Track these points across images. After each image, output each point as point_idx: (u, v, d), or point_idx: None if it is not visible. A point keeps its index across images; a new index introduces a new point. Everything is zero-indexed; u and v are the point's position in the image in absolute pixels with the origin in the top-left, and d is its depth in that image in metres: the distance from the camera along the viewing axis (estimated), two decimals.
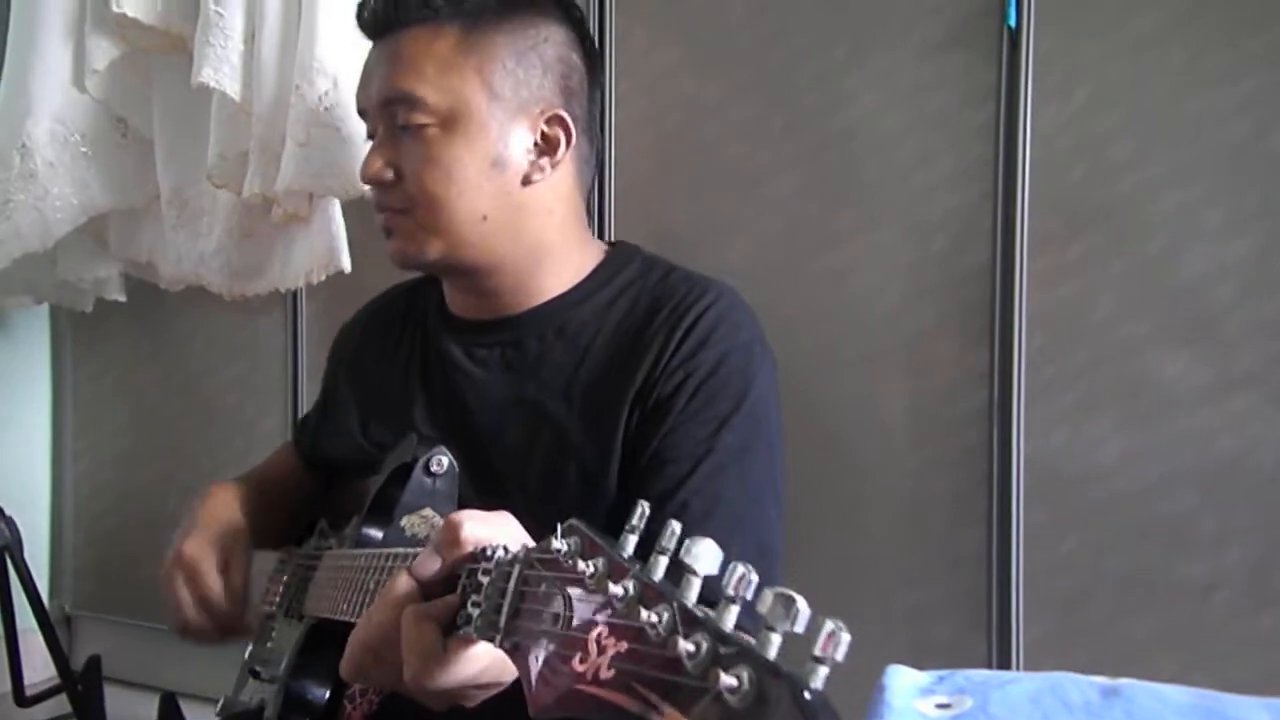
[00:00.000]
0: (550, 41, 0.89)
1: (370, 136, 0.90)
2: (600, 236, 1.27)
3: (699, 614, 0.37)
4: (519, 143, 0.88)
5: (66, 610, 1.89)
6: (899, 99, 1.19)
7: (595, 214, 1.33)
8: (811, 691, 0.32)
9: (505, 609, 0.49)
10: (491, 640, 0.50)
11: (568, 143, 0.90)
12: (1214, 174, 1.05)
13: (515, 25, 0.88)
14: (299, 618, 0.93)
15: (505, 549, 0.53)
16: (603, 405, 0.88)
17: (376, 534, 0.88)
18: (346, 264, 1.37)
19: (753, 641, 0.34)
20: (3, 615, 1.52)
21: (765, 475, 0.88)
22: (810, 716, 0.31)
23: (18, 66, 1.43)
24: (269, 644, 0.98)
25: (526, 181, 0.89)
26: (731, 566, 0.37)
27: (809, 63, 1.23)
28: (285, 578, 1.04)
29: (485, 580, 0.52)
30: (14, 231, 1.41)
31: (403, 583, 0.59)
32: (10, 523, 1.52)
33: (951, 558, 1.16)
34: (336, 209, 1.35)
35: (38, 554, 1.85)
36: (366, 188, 1.27)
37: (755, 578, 0.37)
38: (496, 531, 0.59)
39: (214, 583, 0.95)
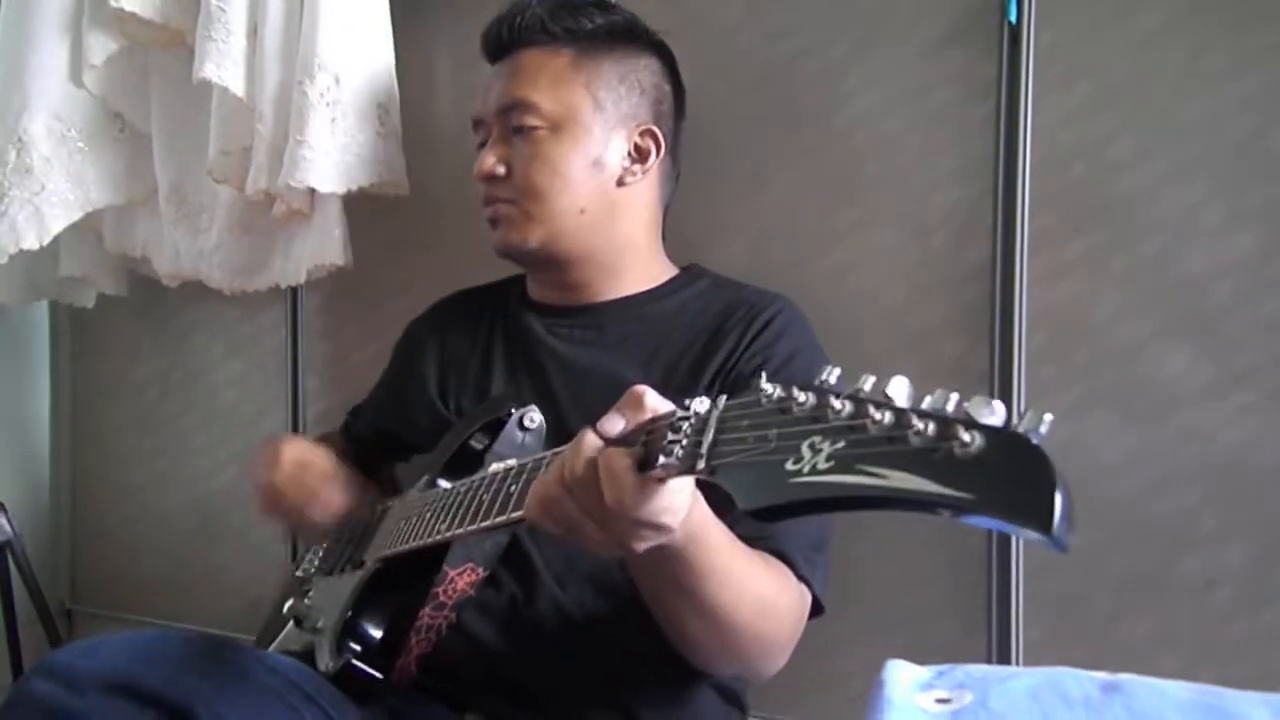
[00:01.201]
0: (648, 69, 1.06)
1: (481, 145, 1.04)
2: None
3: (920, 409, 0.41)
4: (616, 149, 1.02)
5: (66, 605, 1.89)
6: (899, 96, 1.19)
7: None
8: (1040, 438, 0.38)
9: (707, 440, 0.52)
10: (692, 469, 0.53)
11: (657, 153, 1.04)
12: (1215, 171, 1.05)
13: (620, 53, 1.04)
14: (356, 566, 0.97)
15: (701, 401, 0.56)
16: (683, 380, 0.96)
17: (458, 481, 0.90)
18: (348, 260, 1.36)
19: (972, 418, 0.39)
20: (3, 610, 1.53)
21: None
22: (1039, 451, 0.37)
23: (13, 61, 1.43)
24: (307, 601, 1.01)
25: (620, 183, 1.02)
26: (928, 394, 0.42)
27: (809, 62, 1.23)
28: (327, 543, 1.08)
29: (684, 423, 0.56)
30: (10, 227, 1.40)
31: (591, 436, 0.64)
32: (10, 518, 1.52)
33: (951, 558, 1.16)
34: (338, 205, 1.35)
35: (38, 549, 1.85)
36: (370, 184, 1.29)
37: (956, 394, 0.41)
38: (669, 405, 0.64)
39: (321, 478, 1.03)
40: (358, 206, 1.38)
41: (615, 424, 0.63)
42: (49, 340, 1.91)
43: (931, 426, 0.40)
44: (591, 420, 0.93)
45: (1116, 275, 1.09)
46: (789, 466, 0.44)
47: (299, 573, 1.09)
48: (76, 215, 1.45)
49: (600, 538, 0.65)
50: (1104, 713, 0.48)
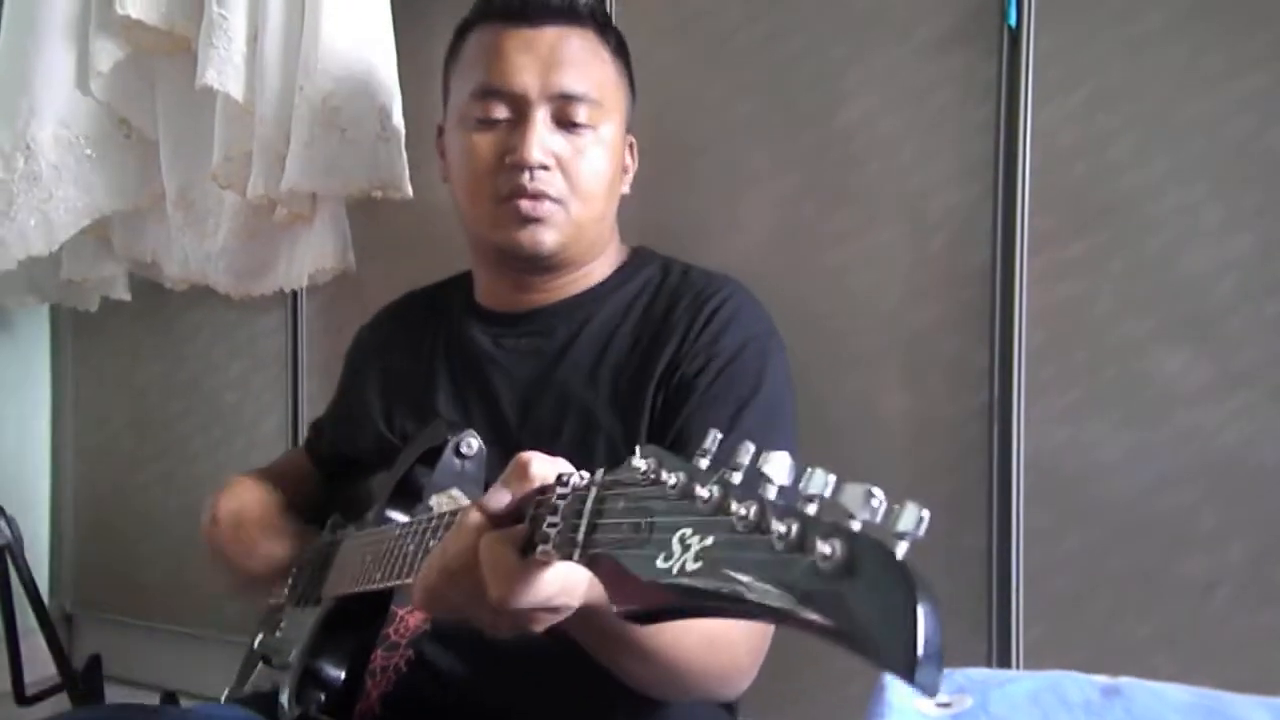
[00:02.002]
0: (632, 79, 1.02)
1: (495, 122, 0.93)
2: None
3: (784, 504, 0.38)
4: (623, 158, 1.01)
5: (67, 609, 1.89)
6: (899, 98, 1.19)
7: None
8: (900, 556, 0.34)
9: (584, 525, 0.50)
10: (570, 556, 0.51)
11: (634, 161, 1.04)
12: (1214, 172, 1.05)
13: (626, 59, 1.01)
14: (315, 603, 0.94)
15: (580, 475, 0.55)
16: (629, 386, 0.92)
17: (402, 516, 0.89)
18: (349, 263, 1.37)
19: (838, 520, 0.36)
20: (3, 614, 1.53)
21: None
22: (904, 574, 0.33)
23: (21, 69, 1.43)
24: (278, 634, 0.99)
25: (619, 188, 1.01)
26: (808, 471, 0.39)
27: (809, 62, 1.23)
28: (295, 570, 1.05)
29: (561, 503, 0.54)
30: (18, 234, 1.41)
31: (474, 515, 0.61)
32: (11, 522, 1.52)
33: (951, 558, 1.16)
34: (341, 209, 1.36)
35: (38, 553, 1.85)
36: (372, 190, 1.29)
37: (834, 477, 0.38)
38: (560, 469, 0.61)
39: (262, 528, 1.01)
40: (359, 210, 1.38)
41: (501, 499, 0.60)
42: (50, 343, 1.91)
43: (794, 529, 0.37)
44: (540, 439, 0.91)
45: (1116, 275, 1.09)
46: (659, 564, 0.42)
47: (271, 600, 1.06)
48: (84, 222, 1.46)
49: (495, 624, 0.61)
50: (1104, 716, 0.48)
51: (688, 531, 0.41)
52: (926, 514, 0.34)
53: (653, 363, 0.92)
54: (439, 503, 0.83)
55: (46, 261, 1.53)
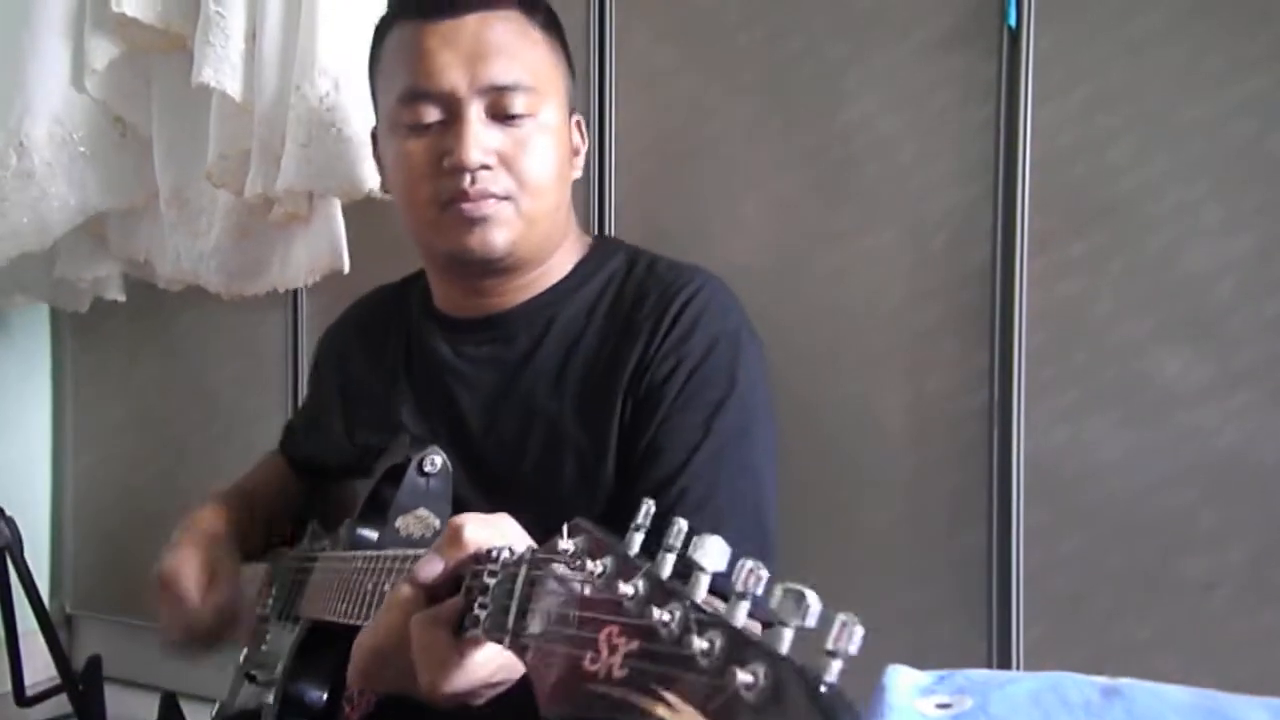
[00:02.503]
0: (569, 54, 0.97)
1: (427, 125, 0.88)
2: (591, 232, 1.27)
3: (710, 611, 0.37)
4: (570, 140, 0.95)
5: (67, 610, 1.89)
6: (899, 98, 1.19)
7: (595, 214, 1.33)
8: (827, 685, 0.32)
9: (513, 609, 0.49)
10: (500, 641, 0.50)
11: (584, 140, 0.98)
12: (1214, 173, 1.05)
13: (559, 33, 0.95)
14: (294, 620, 0.93)
15: (510, 550, 0.53)
16: (595, 395, 0.89)
17: (371, 535, 0.88)
18: (345, 264, 1.37)
19: (763, 639, 0.35)
20: (3, 615, 1.53)
21: (760, 457, 0.89)
22: (826, 709, 0.32)
23: (15, 66, 1.43)
24: (264, 647, 0.98)
25: (570, 173, 0.95)
26: (740, 563, 0.38)
27: (809, 63, 1.23)
28: (278, 581, 1.04)
29: (491, 582, 0.52)
30: (11, 231, 1.41)
31: (405, 590, 0.59)
32: (11, 522, 1.52)
33: (951, 558, 1.16)
34: (337, 209, 1.35)
35: (38, 554, 1.85)
36: (368, 189, 1.29)
37: (765, 573, 0.37)
38: (498, 533, 0.59)
39: (192, 596, 0.95)
40: (357, 210, 1.38)
41: (433, 567, 0.58)
42: (50, 343, 1.91)
43: (718, 647, 0.35)
44: (505, 453, 0.90)
45: (1116, 275, 1.09)
46: (586, 666, 0.40)
47: (259, 609, 1.05)
48: (78, 220, 1.46)
49: (432, 702, 0.59)
50: (1104, 717, 0.48)
51: (614, 631, 0.40)
52: (860, 631, 0.33)
53: (620, 368, 0.88)
54: (405, 524, 0.82)
55: (39, 260, 1.53)
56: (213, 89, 1.30)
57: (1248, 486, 1.04)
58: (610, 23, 1.32)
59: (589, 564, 0.43)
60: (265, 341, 1.65)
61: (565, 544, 0.46)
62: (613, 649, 0.40)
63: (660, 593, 0.39)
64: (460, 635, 0.55)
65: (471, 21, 0.88)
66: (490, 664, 0.56)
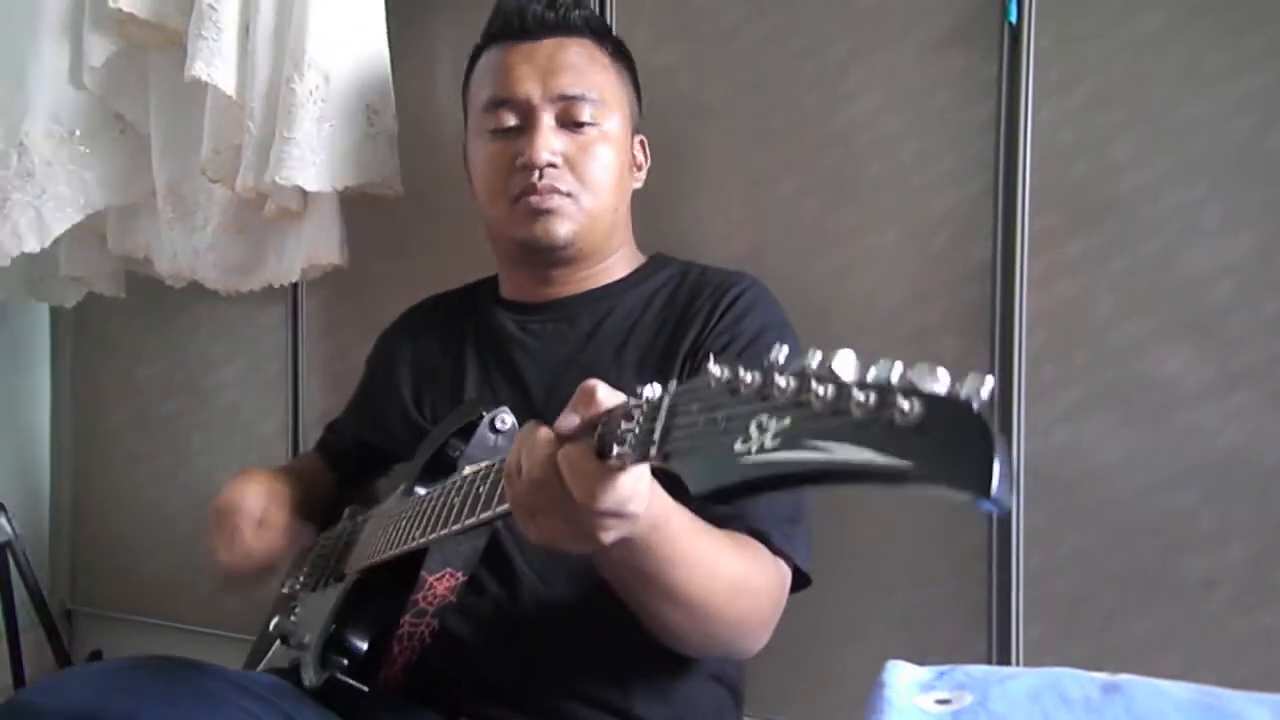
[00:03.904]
0: (637, 82, 1.10)
1: (508, 129, 1.01)
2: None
3: (860, 381, 0.41)
4: (633, 154, 1.08)
5: (67, 605, 1.89)
6: (899, 97, 1.19)
7: None
8: (979, 404, 0.37)
9: (659, 427, 0.52)
10: (646, 456, 0.53)
11: (646, 159, 1.11)
12: (1214, 172, 1.05)
13: (628, 63, 1.09)
14: (337, 580, 0.97)
15: (653, 389, 0.56)
16: (656, 364, 0.97)
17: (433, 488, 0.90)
18: (344, 259, 1.36)
19: (915, 385, 0.39)
20: (3, 611, 1.53)
21: None
22: (978, 415, 0.37)
23: (14, 65, 1.43)
24: (293, 618, 1.00)
25: (629, 182, 1.08)
26: (873, 364, 0.41)
27: (809, 63, 1.23)
28: (312, 556, 1.07)
29: (636, 412, 0.56)
30: (12, 231, 1.41)
31: (545, 431, 0.64)
32: (11, 519, 1.52)
33: (952, 557, 1.16)
34: (334, 204, 1.35)
35: (38, 550, 1.85)
36: (360, 186, 1.29)
37: (900, 363, 0.41)
38: (622, 397, 0.64)
39: (249, 528, 1.02)
40: (357, 206, 1.38)
41: (570, 421, 0.63)
42: (50, 341, 1.91)
43: (873, 397, 0.40)
44: None
45: (1116, 275, 1.09)
46: (738, 447, 0.44)
47: (284, 589, 1.08)
48: (78, 217, 1.46)
49: (568, 531, 0.65)
50: (1104, 713, 0.48)
51: (764, 417, 0.44)
52: (990, 381, 0.38)
53: (677, 344, 0.98)
54: (475, 470, 0.84)
55: (40, 257, 1.53)
56: (205, 83, 1.30)
57: (1248, 486, 1.04)
58: (610, 23, 1.33)
59: (742, 374, 0.47)
60: (265, 341, 1.65)
61: (714, 368, 0.49)
62: (763, 430, 0.43)
63: (808, 382, 0.43)
64: (605, 460, 0.59)
65: (548, 44, 1.02)
66: (628, 487, 0.61)
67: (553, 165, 0.99)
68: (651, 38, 1.31)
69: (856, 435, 0.40)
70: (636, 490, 0.63)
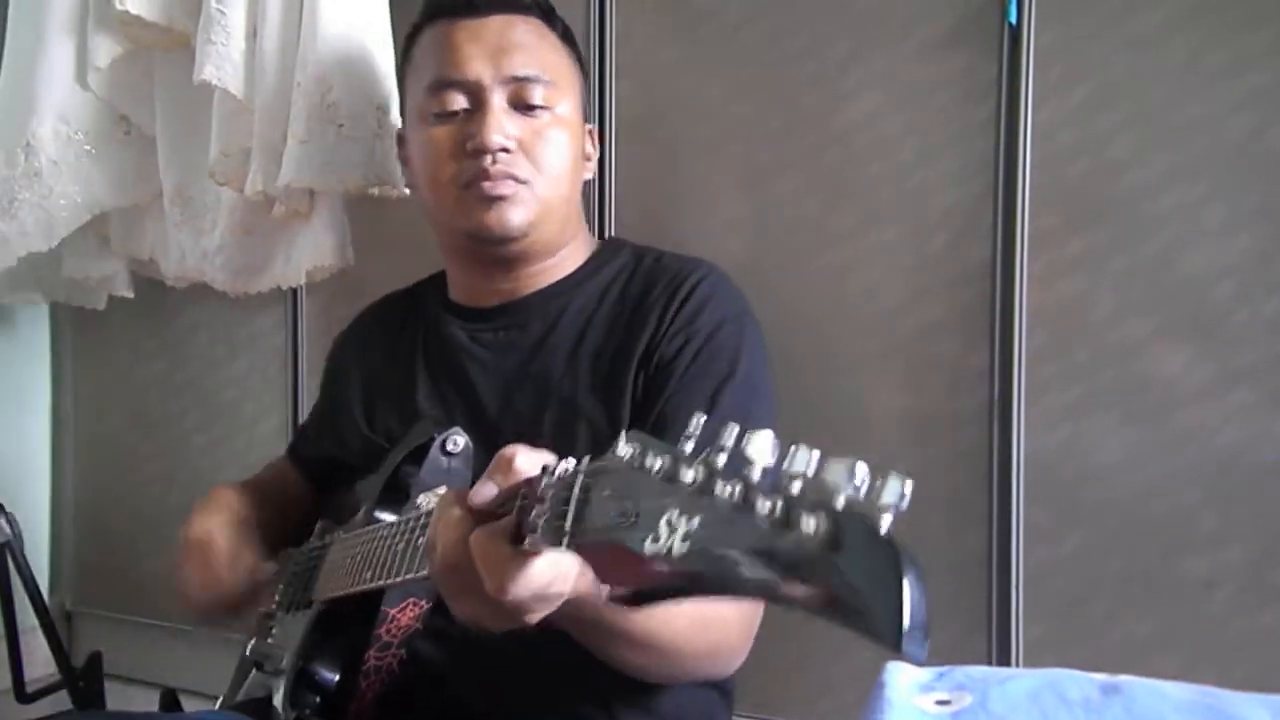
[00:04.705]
0: (585, 69, 1.05)
1: (453, 113, 0.94)
2: (600, 236, 1.28)
3: (768, 483, 0.39)
4: (584, 142, 1.02)
5: (67, 607, 1.89)
6: (899, 97, 1.19)
7: (595, 214, 1.33)
8: (885, 530, 0.34)
9: (570, 513, 0.50)
10: (558, 543, 0.51)
11: (595, 149, 1.05)
12: (1215, 171, 1.05)
13: (575, 48, 1.03)
14: (305, 606, 0.94)
15: (565, 464, 0.55)
16: (609, 372, 0.93)
17: (389, 517, 0.89)
18: (349, 261, 1.37)
19: (822, 495, 0.37)
20: (3, 612, 1.53)
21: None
22: (887, 544, 0.34)
23: (21, 65, 1.43)
24: (270, 640, 0.98)
25: (582, 172, 1.02)
26: (792, 449, 0.39)
27: (809, 62, 1.23)
28: (286, 575, 1.05)
29: (548, 492, 0.54)
30: (19, 230, 1.42)
31: (457, 512, 0.61)
32: (11, 519, 1.52)
33: (951, 558, 1.16)
34: (339, 206, 1.35)
35: (38, 550, 1.85)
36: (369, 187, 1.29)
37: (818, 453, 0.39)
38: (544, 460, 0.61)
39: (223, 560, 0.99)
40: (359, 207, 1.38)
41: (486, 492, 0.60)
42: (50, 341, 1.91)
43: (778, 507, 0.37)
44: (521, 431, 0.91)
45: (1116, 275, 1.09)
46: (648, 548, 0.42)
47: (262, 607, 1.05)
48: (84, 218, 1.46)
49: (493, 617, 0.61)
50: (1104, 714, 0.48)
51: (674, 514, 0.42)
52: (909, 485, 0.35)
53: (631, 346, 0.93)
54: (427, 501, 0.83)
55: (49, 258, 1.54)
56: (214, 86, 1.30)
57: (1248, 486, 1.04)
58: (610, 23, 1.33)
59: (649, 458, 0.45)
60: (266, 341, 1.66)
61: (623, 449, 0.48)
62: (673, 529, 0.41)
63: (717, 476, 0.41)
64: (519, 546, 0.57)
65: (496, 21, 0.95)
66: (547, 572, 0.58)
67: (506, 150, 0.92)
68: (651, 37, 1.31)
69: (764, 552, 0.37)
70: (557, 574, 0.59)
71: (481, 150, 0.91)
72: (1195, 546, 1.06)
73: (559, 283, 1.00)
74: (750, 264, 1.23)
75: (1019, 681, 0.51)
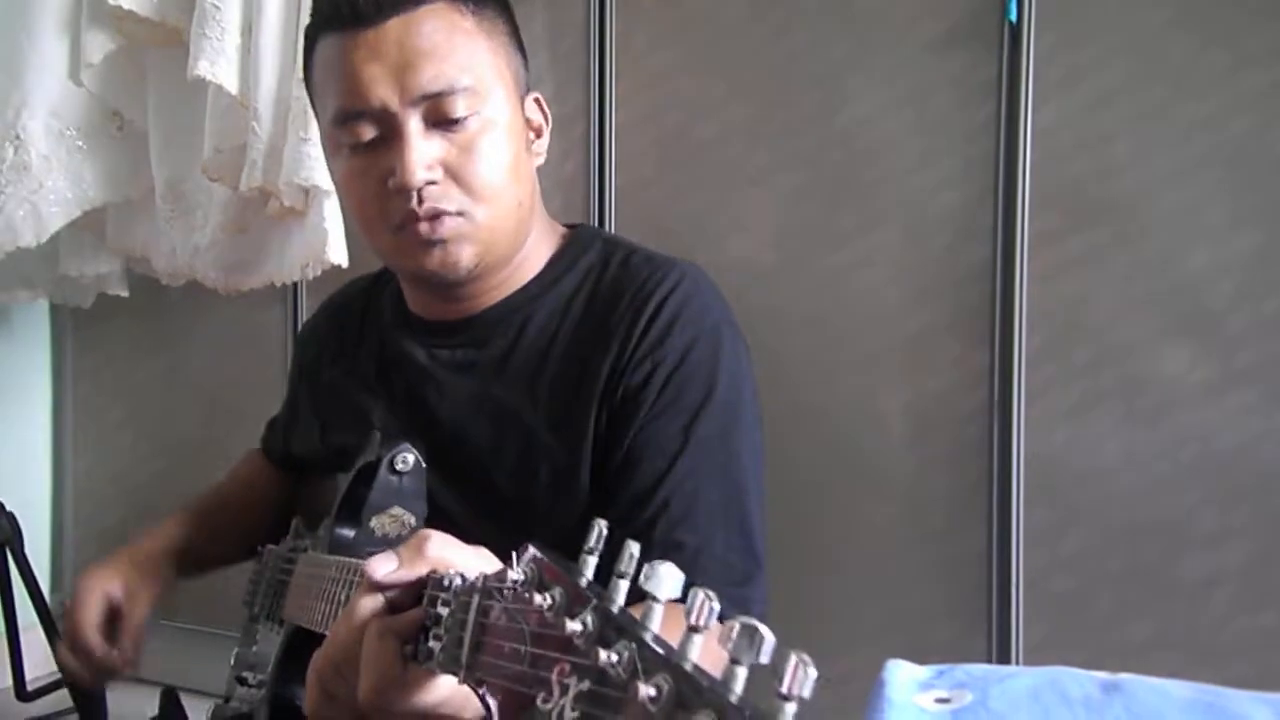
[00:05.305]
0: (516, 30, 0.88)
1: (364, 144, 0.82)
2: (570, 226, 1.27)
3: (660, 653, 0.35)
4: (525, 123, 0.87)
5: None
6: (899, 97, 1.19)
7: (595, 213, 1.33)
8: None
9: (467, 642, 0.48)
10: (455, 675, 0.48)
11: (546, 123, 0.90)
12: (1214, 172, 1.05)
13: (495, 7, 0.86)
14: (279, 622, 0.92)
15: (462, 577, 0.52)
16: (570, 403, 0.86)
17: (348, 534, 0.87)
18: (343, 258, 1.36)
19: (715, 683, 0.33)
20: (4, 610, 1.53)
21: (744, 459, 0.86)
22: None
23: (12, 60, 1.43)
24: (254, 648, 0.98)
25: (529, 164, 0.88)
26: (693, 594, 0.36)
27: (809, 62, 1.23)
28: (264, 580, 1.04)
29: (445, 612, 0.51)
30: (7, 225, 1.41)
31: (367, 601, 0.57)
32: (11, 517, 1.52)
33: (951, 558, 1.16)
34: (333, 203, 1.35)
35: (38, 549, 1.85)
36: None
37: (718, 605, 0.36)
38: (461, 557, 0.57)
39: (88, 627, 0.97)
40: None
41: (388, 564, 0.56)
42: (50, 340, 1.91)
43: (665, 692, 0.34)
44: (481, 460, 0.88)
45: (1116, 274, 1.09)
46: (540, 705, 0.39)
47: (245, 607, 1.05)
48: (75, 213, 1.46)
49: (371, 713, 0.56)
50: (1104, 712, 0.48)
51: (565, 668, 0.39)
52: (814, 674, 0.32)
53: (593, 377, 0.84)
54: (380, 523, 0.81)
55: (41, 255, 1.53)
56: (208, 82, 1.30)
57: (1247, 485, 1.04)
58: (610, 23, 1.33)
59: (537, 598, 0.42)
60: (265, 339, 1.66)
61: (515, 573, 0.45)
62: (564, 689, 0.38)
63: (609, 629, 0.38)
64: (415, 664, 0.54)
65: (393, 27, 0.80)
66: (439, 693, 0.54)
67: (432, 183, 0.80)
68: (651, 38, 1.31)
69: None
70: (454, 697, 0.54)
71: (403, 189, 0.80)
72: (1195, 546, 1.06)
73: (520, 291, 0.90)
74: (750, 264, 1.23)
75: (1019, 679, 0.51)
